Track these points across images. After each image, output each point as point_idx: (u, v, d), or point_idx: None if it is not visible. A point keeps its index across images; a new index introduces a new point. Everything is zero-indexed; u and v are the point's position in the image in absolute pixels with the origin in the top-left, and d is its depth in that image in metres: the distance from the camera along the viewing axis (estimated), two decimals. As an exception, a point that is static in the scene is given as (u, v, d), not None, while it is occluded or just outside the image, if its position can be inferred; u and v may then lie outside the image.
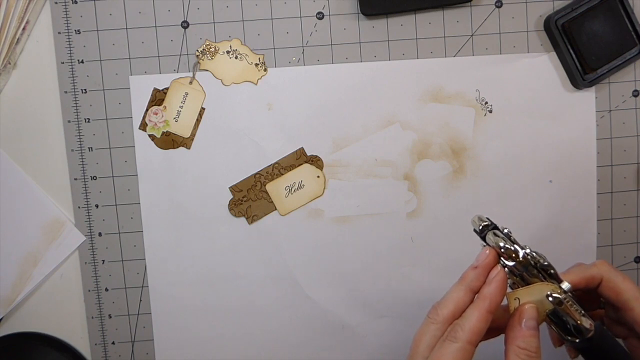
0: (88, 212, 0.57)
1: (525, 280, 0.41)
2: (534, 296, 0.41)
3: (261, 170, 0.57)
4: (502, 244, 0.41)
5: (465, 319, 0.40)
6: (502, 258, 0.42)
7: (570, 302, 0.40)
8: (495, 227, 0.43)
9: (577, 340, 0.41)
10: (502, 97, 0.58)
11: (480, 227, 0.43)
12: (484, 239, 0.43)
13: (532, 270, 0.41)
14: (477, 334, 0.39)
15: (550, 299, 0.40)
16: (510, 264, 0.41)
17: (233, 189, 0.58)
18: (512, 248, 0.41)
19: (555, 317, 0.41)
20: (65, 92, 0.56)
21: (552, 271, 0.41)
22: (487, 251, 0.42)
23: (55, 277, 0.58)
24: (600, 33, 0.56)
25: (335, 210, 0.58)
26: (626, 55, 0.57)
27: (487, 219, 0.43)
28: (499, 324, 0.42)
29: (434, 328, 0.40)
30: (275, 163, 0.58)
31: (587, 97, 0.59)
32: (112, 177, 0.57)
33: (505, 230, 0.42)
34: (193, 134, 0.57)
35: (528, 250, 0.41)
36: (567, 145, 0.59)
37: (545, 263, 0.41)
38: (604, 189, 0.60)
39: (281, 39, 0.57)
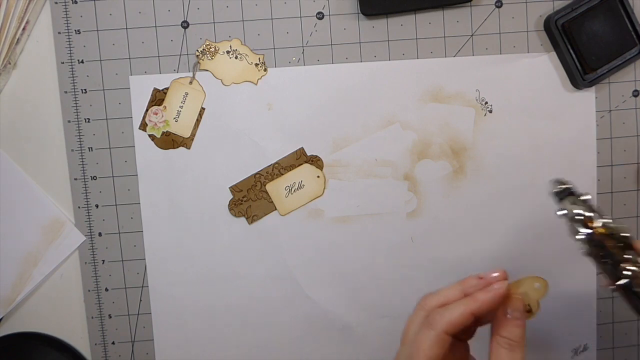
0: (88, 212, 0.57)
1: (605, 249, 0.39)
2: (521, 288, 0.41)
3: (261, 170, 0.57)
4: (579, 211, 0.39)
5: (447, 310, 0.40)
6: (576, 225, 0.39)
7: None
8: (573, 192, 0.40)
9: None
10: (502, 97, 0.58)
11: (560, 189, 0.40)
12: (559, 202, 0.40)
13: (608, 242, 0.39)
14: (454, 325, 0.39)
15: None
16: (587, 231, 0.39)
17: (233, 189, 0.58)
18: (590, 215, 0.39)
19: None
20: (65, 92, 0.56)
21: (629, 242, 0.38)
22: (499, 277, 0.41)
23: (55, 277, 0.58)
24: (600, 33, 0.56)
25: (335, 210, 0.58)
26: (626, 55, 0.57)
27: (568, 181, 0.41)
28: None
29: (422, 315, 0.41)
30: (275, 163, 0.58)
31: (587, 97, 0.59)
32: (112, 177, 0.57)
33: (586, 197, 0.40)
34: (193, 134, 0.57)
35: (606, 220, 0.39)
36: (567, 145, 0.59)
37: (625, 234, 0.38)
38: (604, 189, 0.60)
39: (281, 39, 0.57)
